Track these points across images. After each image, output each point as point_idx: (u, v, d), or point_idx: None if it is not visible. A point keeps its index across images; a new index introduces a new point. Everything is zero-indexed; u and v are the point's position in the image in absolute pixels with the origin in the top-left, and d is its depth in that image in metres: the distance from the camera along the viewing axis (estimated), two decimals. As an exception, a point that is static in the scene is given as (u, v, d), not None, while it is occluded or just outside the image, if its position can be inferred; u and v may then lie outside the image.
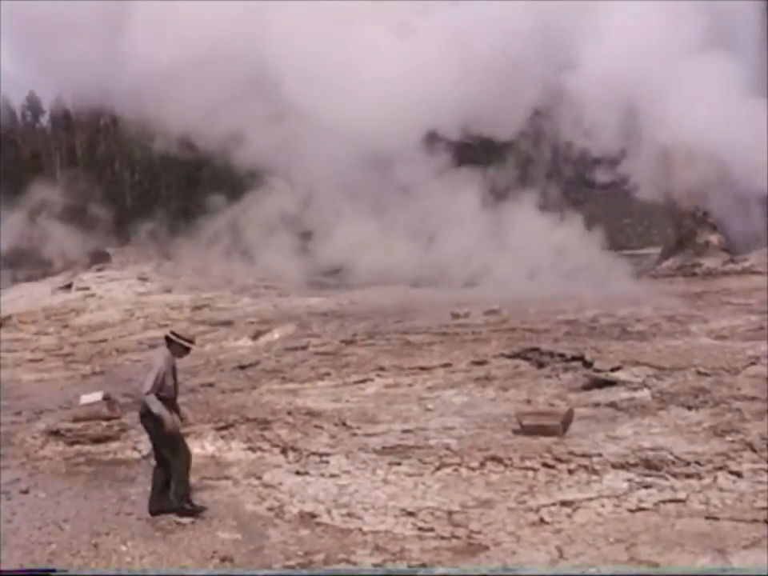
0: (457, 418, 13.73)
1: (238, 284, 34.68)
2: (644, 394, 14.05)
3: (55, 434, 14.74)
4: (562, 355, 16.88)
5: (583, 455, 11.15)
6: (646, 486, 10.24)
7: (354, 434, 13.18)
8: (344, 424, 13.65)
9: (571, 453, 11.26)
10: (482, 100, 30.43)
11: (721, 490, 10.01)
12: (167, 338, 10.91)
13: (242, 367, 19.64)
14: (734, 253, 32.09)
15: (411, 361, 18.03)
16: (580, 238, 30.42)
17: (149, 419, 10.59)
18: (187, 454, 10.76)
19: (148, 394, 10.43)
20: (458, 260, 30.41)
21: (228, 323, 26.55)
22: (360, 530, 9.85)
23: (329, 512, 10.38)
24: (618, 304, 22.30)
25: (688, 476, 10.39)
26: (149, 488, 10.95)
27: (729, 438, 11.32)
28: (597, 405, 13.95)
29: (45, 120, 52.44)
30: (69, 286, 36.71)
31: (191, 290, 33.86)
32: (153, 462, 11.32)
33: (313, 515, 10.35)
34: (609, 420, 13.05)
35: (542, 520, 9.72)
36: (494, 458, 11.43)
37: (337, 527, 9.99)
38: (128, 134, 43.38)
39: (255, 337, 23.97)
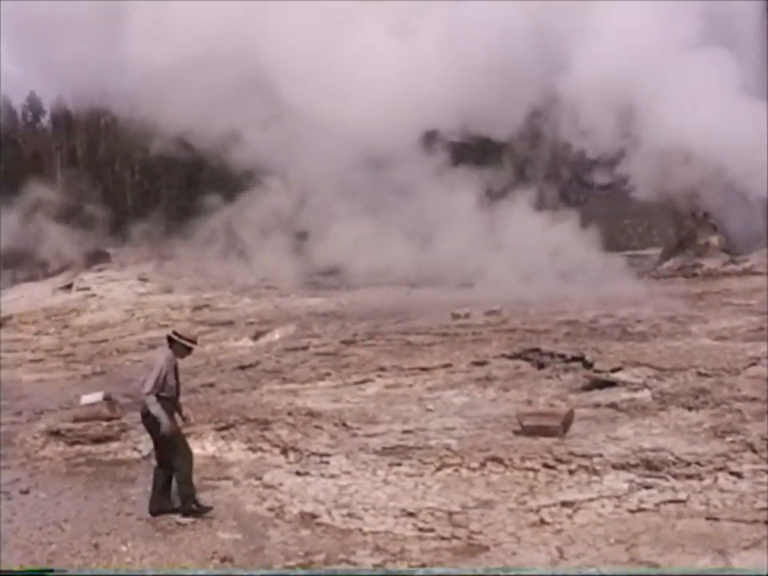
0: (457, 419, 13.72)
1: (239, 284, 34.69)
2: (644, 394, 14.05)
3: (56, 434, 14.73)
4: (562, 356, 16.87)
5: (584, 456, 11.15)
6: (647, 487, 10.24)
7: (355, 435, 13.17)
8: (344, 424, 13.64)
9: (572, 453, 11.25)
10: (479, 100, 30.40)
11: (721, 490, 10.02)
12: (169, 338, 10.91)
13: (243, 367, 19.64)
14: (735, 253, 32.09)
15: (412, 361, 18.03)
16: (578, 238, 30.38)
17: (149, 419, 10.60)
18: (189, 454, 10.75)
19: (149, 394, 10.44)
20: (455, 260, 30.39)
21: (228, 323, 26.55)
22: (360, 530, 9.86)
23: (329, 512, 10.38)
24: (618, 305, 22.29)
25: (688, 477, 10.39)
26: (149, 488, 10.95)
27: (729, 439, 11.31)
28: (597, 405, 13.95)
29: (45, 120, 52.49)
30: (69, 287, 36.72)
31: (192, 291, 33.86)
32: (153, 462, 11.32)
33: (313, 516, 10.35)
34: (609, 421, 13.05)
35: (542, 521, 9.72)
36: (495, 459, 11.42)
37: (337, 528, 9.99)
38: (127, 135, 43.37)
39: (256, 337, 23.97)
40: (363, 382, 16.97)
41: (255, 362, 20.15)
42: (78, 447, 14.23)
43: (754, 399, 12.81)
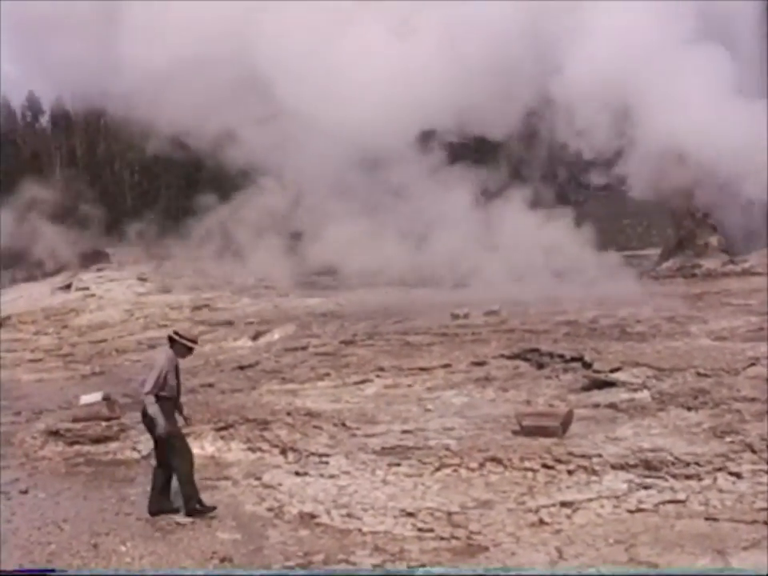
0: (456, 419, 13.73)
1: (238, 284, 34.68)
2: (644, 395, 14.05)
3: (55, 434, 14.74)
4: (561, 356, 16.87)
5: (583, 456, 11.15)
6: (646, 487, 10.24)
7: (354, 435, 13.17)
8: (343, 424, 13.65)
9: (571, 454, 11.26)
10: (476, 101, 30.38)
11: (720, 491, 10.02)
12: (170, 338, 10.91)
13: (242, 368, 19.65)
14: (734, 254, 32.10)
15: (411, 361, 18.03)
16: (577, 238, 30.39)
17: (148, 419, 10.61)
18: (189, 454, 10.74)
19: (148, 393, 10.45)
20: (451, 260, 30.41)
21: (228, 323, 26.55)
22: (359, 530, 9.86)
23: (328, 512, 10.38)
24: (617, 305, 22.29)
25: (688, 477, 10.39)
26: (148, 488, 10.95)
27: (728, 439, 11.32)
28: (596, 406, 13.95)
29: (45, 120, 52.49)
30: (68, 286, 36.72)
31: (191, 291, 33.86)
32: (153, 462, 11.33)
33: (312, 516, 10.35)
34: (608, 421, 13.05)
35: (541, 521, 9.72)
36: (494, 459, 11.43)
37: (336, 528, 10.00)
38: (125, 135, 43.40)
39: (255, 337, 23.97)
40: (362, 382, 16.97)
41: (254, 362, 20.15)
42: (77, 447, 14.24)
43: (753, 399, 12.81)
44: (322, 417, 14.13)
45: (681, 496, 9.96)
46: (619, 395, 14.24)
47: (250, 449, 13.28)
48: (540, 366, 16.84)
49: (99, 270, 38.57)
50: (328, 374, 17.72)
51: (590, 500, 10.06)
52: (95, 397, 16.19)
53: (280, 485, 11.49)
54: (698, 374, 14.51)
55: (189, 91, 31.85)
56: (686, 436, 11.75)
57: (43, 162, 46.44)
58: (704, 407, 12.93)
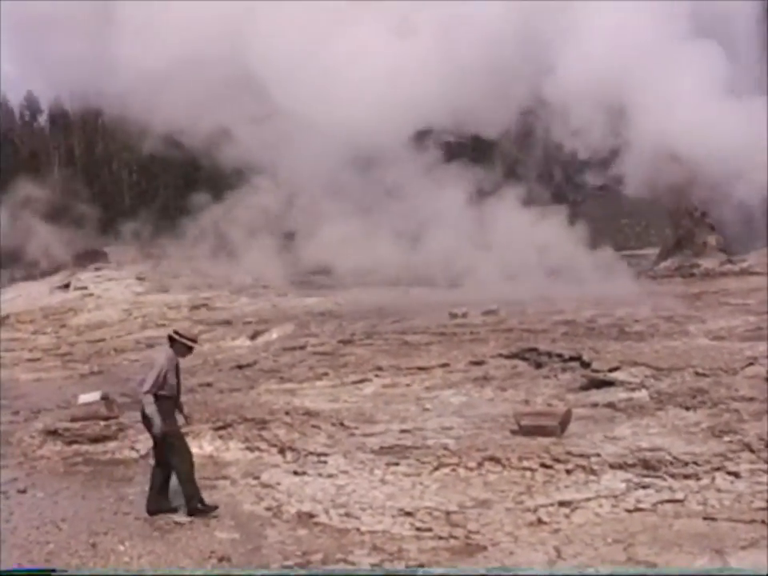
0: (455, 418, 13.73)
1: (236, 284, 34.68)
2: (642, 394, 14.06)
3: (53, 433, 14.73)
4: (559, 355, 16.89)
5: (581, 455, 11.15)
6: (644, 487, 10.24)
7: (352, 434, 13.18)
8: (342, 424, 13.65)
9: (569, 453, 11.26)
10: (471, 100, 30.47)
11: (719, 490, 10.02)
12: (170, 338, 10.90)
13: (240, 367, 19.66)
14: (732, 253, 32.13)
15: (409, 361, 18.04)
16: (574, 237, 30.41)
17: (147, 418, 10.61)
18: (188, 454, 10.73)
19: (146, 393, 10.45)
20: (447, 259, 30.44)
21: (226, 323, 26.55)
22: (358, 530, 9.85)
23: (327, 512, 10.37)
24: (615, 304, 22.31)
25: (686, 476, 10.39)
26: (147, 488, 10.94)
27: (727, 439, 11.32)
28: (595, 405, 13.96)
29: (43, 120, 52.45)
30: (67, 286, 36.72)
31: (189, 290, 33.86)
32: (151, 461, 11.32)
33: (311, 515, 10.34)
34: (607, 420, 13.05)
35: (539, 520, 9.72)
36: (492, 459, 11.42)
37: (335, 527, 9.99)
38: (122, 135, 43.41)
39: (253, 337, 23.97)
40: (361, 381, 16.99)
41: (253, 361, 20.16)
42: (75, 446, 14.22)
43: (751, 399, 12.82)
44: (321, 416, 14.14)
45: (679, 495, 9.96)
46: (617, 395, 14.24)
47: (248, 448, 13.27)
48: (538, 366, 16.85)
49: (97, 269, 38.57)
50: (326, 374, 17.73)
51: (589, 499, 10.05)
52: (93, 396, 16.17)
53: (278, 484, 11.48)
54: (697, 373, 14.52)
55: (184, 91, 31.93)
56: (684, 435, 11.75)
57: (41, 162, 46.41)
58: (702, 407, 12.94)
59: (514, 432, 12.49)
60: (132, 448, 13.79)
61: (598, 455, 11.10)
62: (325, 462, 12.04)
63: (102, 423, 14.88)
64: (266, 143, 31.84)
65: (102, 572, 9.00)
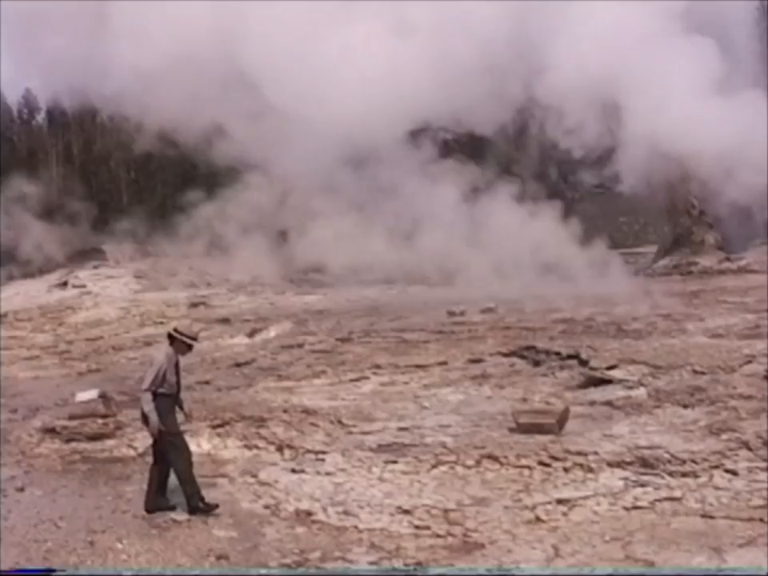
0: (453, 416, 13.75)
1: (234, 282, 34.69)
2: (640, 392, 14.07)
3: (51, 431, 14.73)
4: (557, 353, 16.91)
5: (579, 453, 11.16)
6: (642, 485, 10.25)
7: (350, 432, 13.19)
8: (340, 422, 13.66)
9: (567, 451, 11.27)
10: (464, 99, 30.44)
11: (716, 488, 10.02)
12: (170, 335, 10.90)
13: (238, 365, 19.66)
14: (730, 251, 32.13)
15: (407, 359, 18.05)
16: (573, 236, 30.40)
17: (145, 416, 10.61)
18: (187, 452, 10.71)
19: (145, 390, 10.46)
20: (442, 258, 30.45)
21: (224, 321, 26.54)
22: (356, 527, 9.85)
23: (324, 510, 10.37)
24: (613, 302, 22.32)
25: (684, 474, 10.40)
26: (145, 486, 10.94)
27: (725, 437, 11.33)
28: (593, 403, 13.97)
29: (41, 118, 52.37)
30: (65, 284, 36.70)
31: (187, 288, 33.89)
32: (149, 459, 11.31)
33: (309, 513, 10.34)
34: (605, 418, 13.06)
35: (537, 518, 9.72)
36: (490, 456, 11.43)
37: (333, 525, 9.99)
38: (118, 133, 43.40)
39: (251, 334, 23.96)
40: (359, 379, 17.00)
41: (251, 359, 20.17)
42: (73, 444, 14.22)
43: (749, 397, 12.84)
44: (319, 414, 14.15)
45: (677, 493, 9.97)
46: (615, 393, 14.26)
47: (246, 446, 13.27)
48: (536, 364, 16.87)
49: (95, 267, 38.56)
50: (324, 372, 17.75)
51: (587, 497, 10.06)
52: (91, 394, 16.17)
53: (276, 482, 11.48)
54: (695, 371, 14.55)
55: (178, 89, 31.90)
56: (682, 433, 11.77)
57: (39, 159, 46.35)
58: (700, 405, 12.96)
59: (512, 430, 12.51)
60: (130, 446, 13.78)
61: (596, 453, 11.11)
62: (323, 460, 12.04)
63: (100, 421, 14.89)
64: (261, 140, 31.84)
65: (102, 571, 9.00)
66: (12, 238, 38.67)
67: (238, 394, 16.34)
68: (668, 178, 31.58)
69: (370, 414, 14.14)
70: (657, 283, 28.65)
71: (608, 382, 14.80)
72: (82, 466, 13.30)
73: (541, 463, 11.09)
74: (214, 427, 13.92)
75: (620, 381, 14.68)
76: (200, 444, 13.29)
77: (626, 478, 10.44)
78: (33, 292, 36.33)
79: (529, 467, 11.08)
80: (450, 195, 31.46)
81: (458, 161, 33.36)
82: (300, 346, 20.96)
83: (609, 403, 13.80)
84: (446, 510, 10.05)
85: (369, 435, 12.91)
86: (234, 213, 35.42)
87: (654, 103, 28.51)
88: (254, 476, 11.86)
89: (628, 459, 10.88)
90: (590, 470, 10.77)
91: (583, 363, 15.92)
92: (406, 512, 10.07)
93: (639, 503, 9.84)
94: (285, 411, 14.39)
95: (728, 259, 31.24)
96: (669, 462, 10.68)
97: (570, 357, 16.51)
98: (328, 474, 11.54)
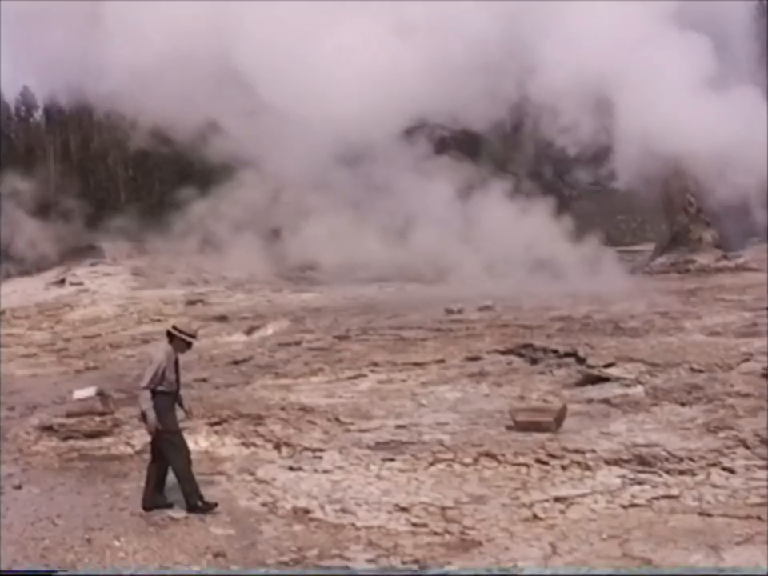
0: (450, 414, 13.75)
1: (232, 279, 34.68)
2: (637, 390, 14.08)
3: (48, 429, 14.74)
4: (555, 351, 16.90)
5: (576, 451, 11.17)
6: (639, 483, 10.25)
7: (348, 430, 13.19)
8: (337, 419, 13.67)
9: (564, 449, 11.28)
10: (459, 98, 30.54)
11: (714, 486, 10.03)
12: (169, 333, 10.90)
13: (236, 362, 19.65)
14: (728, 249, 32.13)
15: (405, 356, 18.05)
16: (570, 234, 30.43)
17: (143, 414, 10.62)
18: (185, 450, 10.72)
19: (144, 388, 10.47)
20: (438, 256, 30.49)
21: (222, 318, 26.49)
22: (353, 525, 9.86)
23: (322, 507, 10.38)
24: (611, 300, 22.31)
25: (681, 472, 10.41)
26: (142, 483, 10.94)
27: (722, 435, 11.34)
28: (590, 401, 13.97)
29: (38, 115, 52.30)
30: (62, 281, 36.61)
31: (185, 285, 33.84)
32: (147, 456, 11.31)
33: (306, 511, 10.35)
34: (602, 416, 13.06)
35: (535, 516, 9.72)
36: (488, 454, 11.44)
37: (330, 523, 10.00)
38: (115, 131, 43.39)
39: (249, 332, 23.93)
40: (356, 377, 16.99)
41: (248, 357, 20.15)
42: (70, 442, 14.23)
43: (746, 395, 12.85)
44: (316, 412, 14.15)
45: (674, 491, 9.97)
46: (613, 390, 14.27)
47: (243, 444, 13.28)
48: (534, 362, 16.87)
49: (93, 264, 38.46)
50: (322, 369, 17.74)
51: (584, 495, 10.07)
52: (89, 392, 16.18)
53: (274, 480, 11.49)
54: (692, 369, 14.55)
55: (173, 87, 31.99)
56: (679, 431, 11.77)
57: (37, 157, 46.29)
58: (698, 403, 12.96)
59: (509, 428, 12.51)
60: (127, 443, 13.80)
61: (594, 451, 11.12)
62: (320, 458, 12.05)
63: (98, 419, 14.90)
64: (256, 138, 31.90)
65: (102, 572, 8.99)
66: (7, 236, 38.63)
67: (236, 392, 16.34)
68: (664, 175, 31.60)
69: (367, 412, 14.14)
70: (654, 281, 28.63)
71: (605, 379, 14.80)
72: (79, 463, 13.31)
73: (538, 461, 11.10)
74: (212, 425, 13.92)
75: (617, 379, 14.68)
76: (197, 442, 13.28)
77: (623, 476, 10.45)
78: (30, 290, 36.25)
79: (526, 465, 11.09)
80: (444, 192, 31.51)
81: (453, 158, 33.41)
82: (297, 343, 20.94)
83: (606, 401, 13.80)
84: (443, 508, 10.06)
85: (366, 433, 12.92)
86: (227, 210, 35.46)
87: (648, 100, 28.56)
88: (252, 474, 11.86)
89: (625, 457, 10.88)
90: (588, 467, 10.77)
91: (581, 361, 15.91)
92: (404, 510, 10.08)
93: (637, 501, 9.85)
94: (282, 409, 14.39)
95: (726, 257, 31.19)
96: (666, 459, 10.69)
97: (567, 355, 16.51)
98: (325, 471, 11.55)
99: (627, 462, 10.78)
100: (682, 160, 29.96)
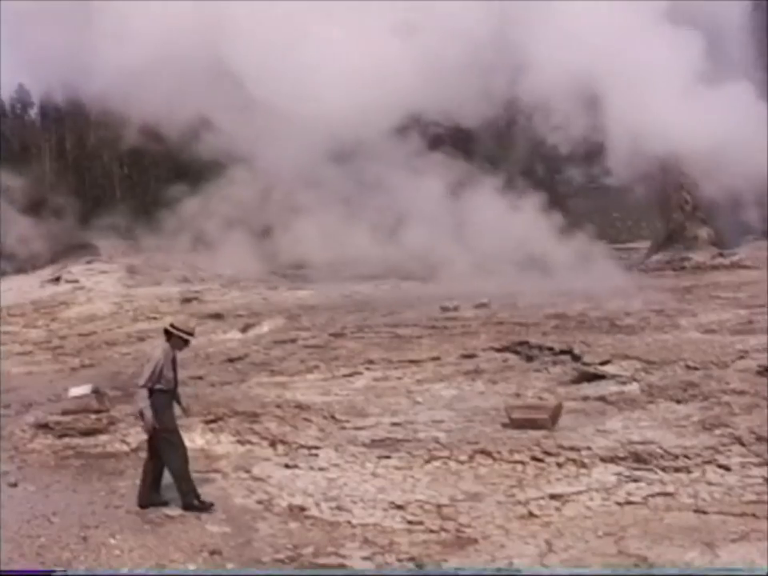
0: (446, 412, 13.75)
1: (227, 277, 34.66)
2: (633, 387, 14.08)
3: (44, 426, 14.71)
4: (551, 349, 16.90)
5: (572, 449, 11.17)
6: (635, 480, 10.26)
7: (343, 427, 13.19)
8: (333, 417, 13.66)
9: (560, 446, 11.28)
10: (450, 96, 30.59)
11: (709, 483, 10.04)
12: (166, 331, 10.89)
13: (231, 360, 19.62)
14: (723, 247, 32.17)
15: (400, 354, 18.04)
16: (565, 232, 30.45)
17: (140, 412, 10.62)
18: (182, 449, 10.72)
19: (141, 387, 10.47)
20: (430, 252, 30.50)
21: (217, 316, 26.47)
22: (349, 523, 9.86)
23: (318, 505, 10.38)
24: (606, 298, 22.32)
25: (677, 470, 10.42)
26: (138, 481, 10.93)
27: (717, 432, 11.34)
28: (586, 398, 13.97)
29: (33, 113, 52.27)
30: (57, 279, 36.56)
31: (180, 283, 33.81)
32: (143, 454, 11.30)
33: (302, 508, 10.35)
34: (598, 413, 13.07)
35: (530, 513, 9.73)
36: (483, 452, 11.45)
37: (326, 520, 10.00)
38: (107, 129, 43.38)
39: (244, 330, 23.92)
40: (352, 374, 16.99)
41: (244, 354, 20.13)
42: (66, 440, 14.21)
43: (742, 392, 12.85)
44: (312, 409, 14.14)
45: (670, 489, 9.98)
46: (608, 388, 14.27)
47: (239, 441, 13.28)
48: (529, 359, 16.87)
49: (88, 262, 38.41)
50: (317, 367, 17.72)
51: (580, 492, 10.07)
52: (84, 389, 16.17)
53: (269, 477, 11.49)
54: (687, 366, 14.56)
55: (163, 85, 32.03)
56: (675, 429, 11.78)
57: (32, 155, 46.26)
58: (693, 400, 12.97)
59: (505, 425, 12.51)
60: (123, 441, 13.78)
61: (589, 448, 11.13)
62: (316, 455, 12.05)
63: (93, 416, 14.88)
64: (249, 135, 31.92)
65: (105, 572, 8.98)
66: (2, 233, 38.58)
67: (231, 390, 16.32)
68: (657, 173, 31.63)
69: (363, 410, 14.14)
70: (650, 278, 28.66)
71: (601, 377, 14.80)
72: (75, 461, 13.30)
73: (534, 458, 11.10)
74: (207, 422, 13.91)
75: (613, 376, 14.68)
76: (193, 439, 13.26)
77: (619, 474, 10.46)
78: (25, 287, 36.19)
79: (522, 462, 11.09)
80: (436, 190, 31.54)
81: (445, 155, 33.43)
82: (293, 341, 20.92)
83: (602, 398, 13.80)
84: (439, 506, 10.06)
85: (362, 430, 12.91)
86: (218, 208, 35.49)
87: (640, 98, 28.60)
88: (247, 471, 11.86)
89: (621, 454, 10.89)
90: (583, 465, 10.78)
91: (576, 358, 15.92)
92: (399, 507, 10.08)
93: (632, 498, 9.86)
94: (278, 406, 14.38)
95: (721, 255, 31.22)
96: (662, 457, 10.69)
97: (563, 352, 16.51)
98: (321, 469, 11.55)
99: (623, 459, 10.79)
100: (675, 157, 29.99)
